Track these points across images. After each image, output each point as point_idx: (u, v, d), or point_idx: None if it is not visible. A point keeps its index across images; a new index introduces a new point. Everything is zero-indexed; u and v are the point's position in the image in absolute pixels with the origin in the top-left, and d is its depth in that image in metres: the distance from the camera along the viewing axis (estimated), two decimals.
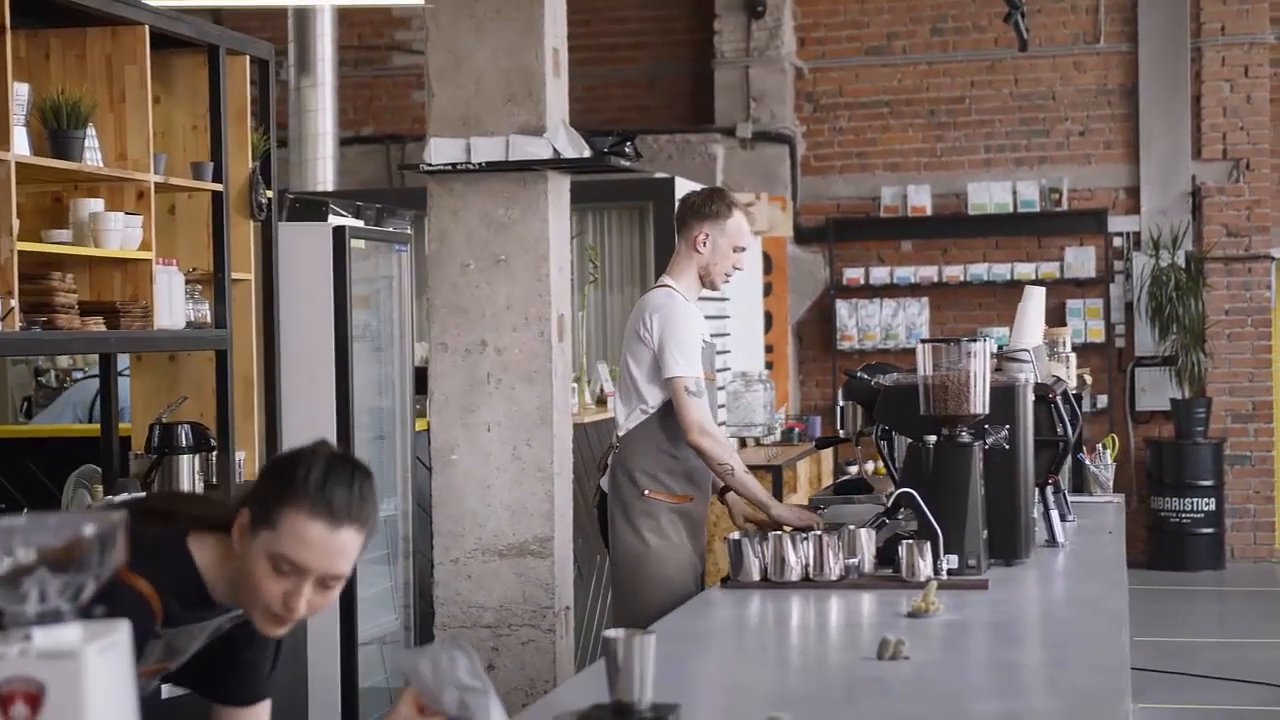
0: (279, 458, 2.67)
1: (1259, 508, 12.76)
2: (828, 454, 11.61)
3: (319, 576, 2.54)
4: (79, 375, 9.11)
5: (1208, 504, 12.36)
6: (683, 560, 5.19)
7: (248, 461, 5.89)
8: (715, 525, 6.74)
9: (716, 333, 10.20)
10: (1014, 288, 12.68)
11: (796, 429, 10.97)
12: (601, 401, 8.24)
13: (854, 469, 12.39)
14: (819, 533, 4.34)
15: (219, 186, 5.64)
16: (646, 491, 5.21)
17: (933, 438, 4.44)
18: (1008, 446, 4.56)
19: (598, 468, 5.51)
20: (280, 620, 2.58)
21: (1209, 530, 12.40)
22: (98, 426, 5.80)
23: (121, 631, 1.78)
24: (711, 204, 5.35)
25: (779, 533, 4.34)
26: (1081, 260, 12.77)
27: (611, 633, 2.72)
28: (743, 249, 5.37)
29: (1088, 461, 6.47)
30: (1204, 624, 10.81)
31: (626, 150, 6.13)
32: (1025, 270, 12.72)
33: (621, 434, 5.30)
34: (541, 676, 5.57)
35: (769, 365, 12.31)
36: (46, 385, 9.24)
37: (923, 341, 4.51)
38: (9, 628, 1.74)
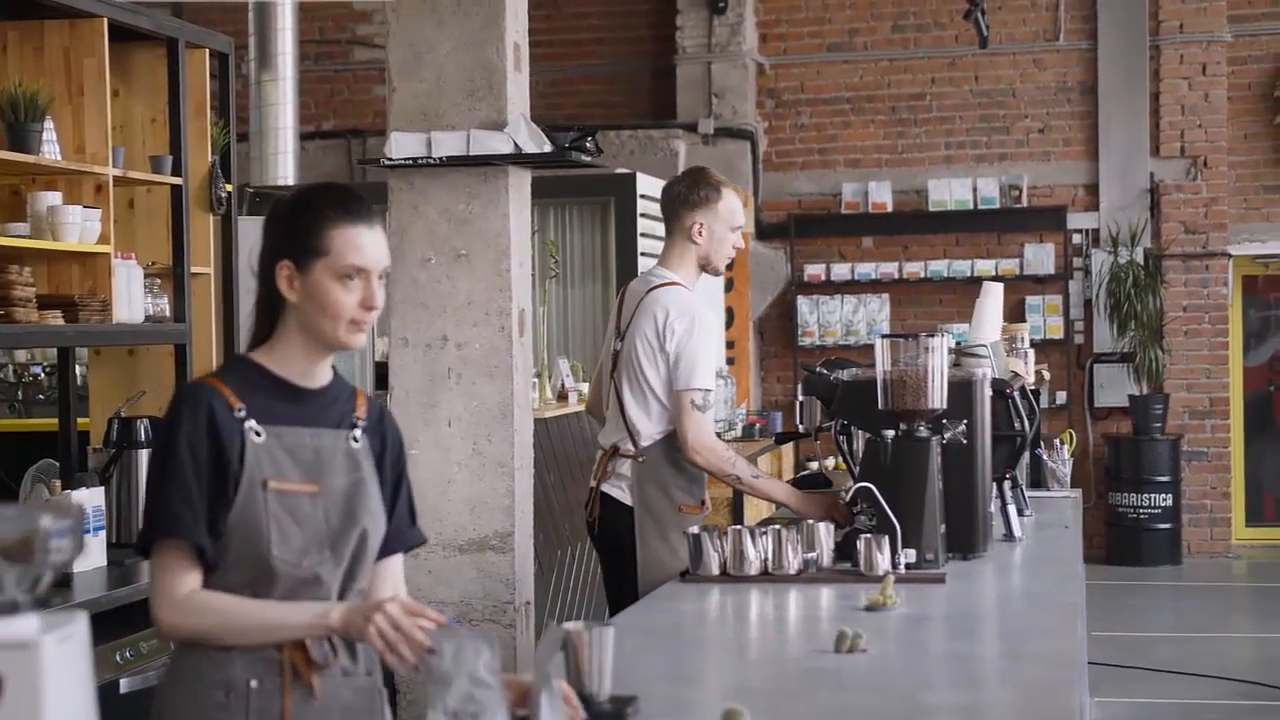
0: (280, 209, 2.94)
1: (1215, 503, 12.85)
2: (789, 449, 11.65)
3: (378, 273, 2.88)
4: (36, 369, 9.07)
5: (1165, 499, 12.45)
6: None
7: None
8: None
9: None
10: (974, 284, 12.70)
11: (758, 425, 11.00)
12: (562, 396, 8.25)
13: (814, 465, 12.44)
14: (778, 527, 4.34)
15: (178, 180, 5.62)
16: (683, 506, 5.05)
17: (891, 432, 4.46)
18: (965, 441, 4.58)
19: (594, 474, 5.30)
20: (359, 325, 2.88)
21: (1166, 525, 12.49)
22: (55, 421, 5.76)
23: (79, 623, 1.78)
24: (699, 190, 5.11)
25: (738, 527, 4.34)
26: (1041, 257, 12.84)
27: (571, 625, 2.73)
28: (739, 227, 5.16)
29: (1045, 457, 6.50)
30: (1161, 618, 10.88)
31: (588, 145, 6.13)
32: (985, 266, 12.78)
33: (645, 443, 5.05)
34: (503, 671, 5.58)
35: (730, 361, 12.34)
36: (3, 380, 9.19)
37: (882, 336, 4.53)
38: None
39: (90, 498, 4.96)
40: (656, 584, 4.88)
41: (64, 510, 1.78)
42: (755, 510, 9.36)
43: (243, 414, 2.84)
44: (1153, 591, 11.71)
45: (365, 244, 2.87)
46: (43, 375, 9.11)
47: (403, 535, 3.05)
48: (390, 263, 2.94)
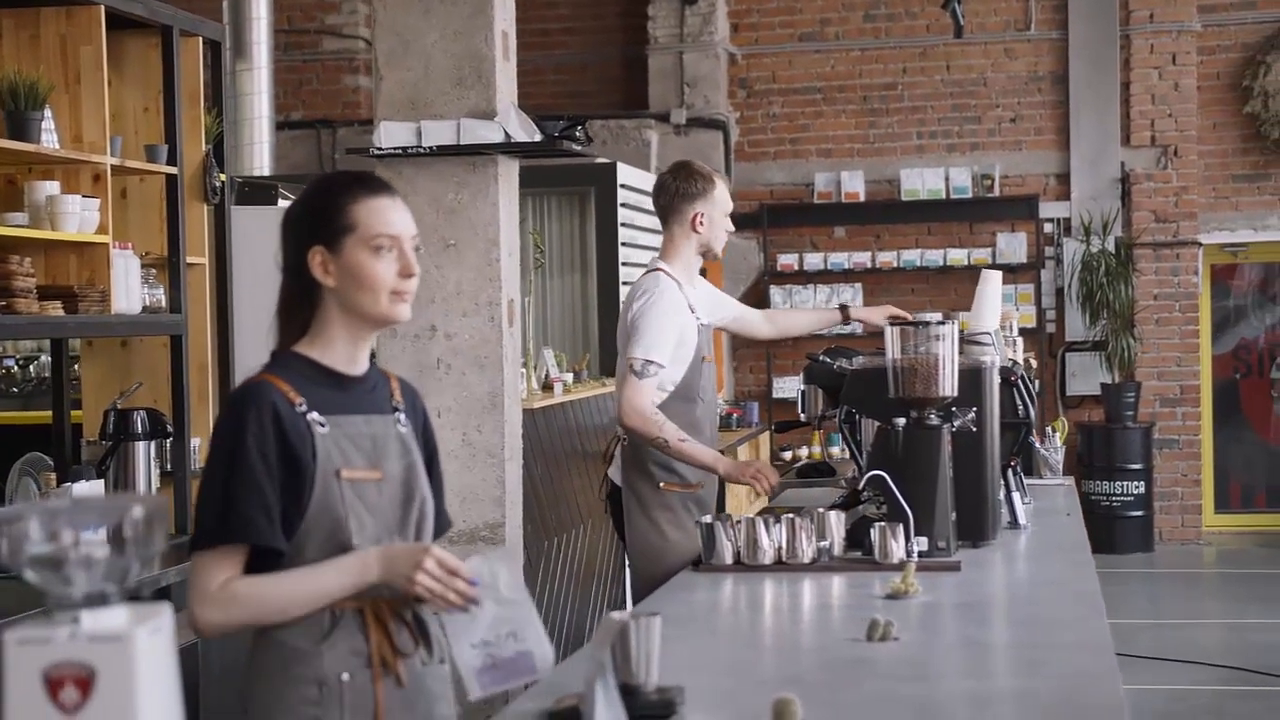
0: (298, 203, 2.95)
1: (1187, 490, 12.92)
2: (765, 439, 11.67)
3: (409, 241, 2.88)
4: (9, 362, 8.97)
5: (1137, 487, 12.51)
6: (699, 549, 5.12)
7: (203, 448, 5.81)
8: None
9: None
10: (946, 273, 12.79)
11: (734, 415, 11.00)
12: (548, 387, 8.21)
13: (788, 454, 12.45)
14: (792, 517, 4.33)
15: (173, 169, 5.56)
16: (662, 484, 5.17)
17: (901, 420, 4.45)
18: (975, 429, 4.57)
19: (603, 458, 5.44)
20: (402, 294, 2.87)
21: (1138, 513, 12.55)
22: (49, 414, 5.70)
23: (165, 615, 1.75)
24: (695, 182, 5.32)
25: (752, 516, 4.33)
26: (1013, 246, 12.87)
27: (618, 615, 2.71)
28: (730, 212, 5.43)
29: (1038, 445, 6.52)
30: (1135, 605, 10.93)
31: (577, 134, 6.12)
32: (958, 256, 12.80)
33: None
34: None
35: None
36: None
37: (891, 324, 4.51)
38: (56, 611, 1.72)
39: (90, 490, 4.91)
40: (644, 560, 5.02)
41: (152, 502, 1.76)
42: (736, 500, 9.35)
43: (304, 408, 2.82)
44: (1127, 579, 11.76)
45: (391, 215, 2.87)
46: (15, 368, 9.01)
47: (443, 517, 3.05)
48: (418, 233, 2.94)
